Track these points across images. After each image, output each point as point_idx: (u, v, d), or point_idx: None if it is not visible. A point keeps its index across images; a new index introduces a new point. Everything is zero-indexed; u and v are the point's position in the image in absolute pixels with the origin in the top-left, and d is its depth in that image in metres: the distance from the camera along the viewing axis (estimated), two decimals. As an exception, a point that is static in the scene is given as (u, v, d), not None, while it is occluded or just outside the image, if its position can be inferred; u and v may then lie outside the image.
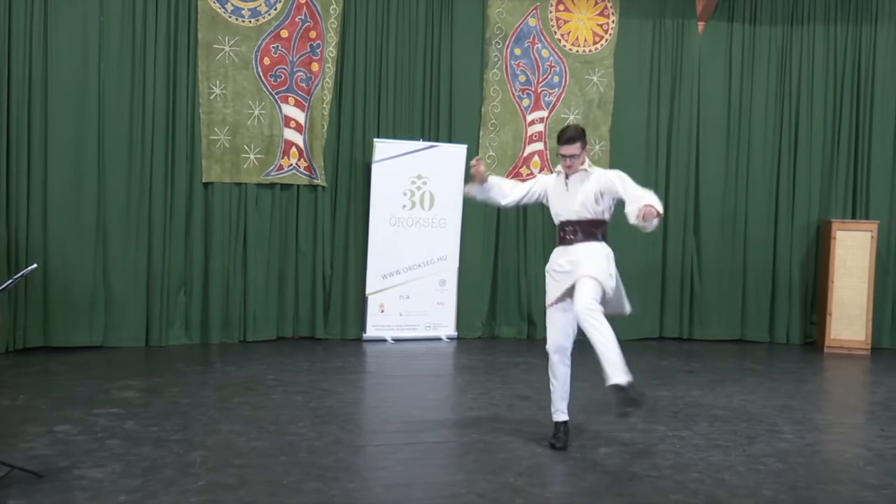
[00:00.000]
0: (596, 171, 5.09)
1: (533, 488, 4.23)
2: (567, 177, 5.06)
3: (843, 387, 7.45)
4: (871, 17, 8.88)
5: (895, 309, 8.86)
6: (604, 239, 5.00)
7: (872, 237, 8.49)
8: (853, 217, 8.89)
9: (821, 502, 4.18)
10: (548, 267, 5.14)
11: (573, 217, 5.01)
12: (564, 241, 5.03)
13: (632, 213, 4.79)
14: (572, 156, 5.00)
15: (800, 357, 8.33)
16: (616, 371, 4.52)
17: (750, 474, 4.54)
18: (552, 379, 5.05)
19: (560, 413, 5.06)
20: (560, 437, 5.00)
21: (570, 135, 5.00)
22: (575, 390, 6.35)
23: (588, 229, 4.97)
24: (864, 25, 8.90)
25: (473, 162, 5.19)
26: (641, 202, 4.72)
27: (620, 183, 4.94)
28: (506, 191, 5.26)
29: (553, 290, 5.03)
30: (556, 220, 5.13)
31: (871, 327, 8.53)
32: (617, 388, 4.49)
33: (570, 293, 4.86)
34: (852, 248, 8.52)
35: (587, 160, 5.11)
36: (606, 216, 5.02)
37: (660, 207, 4.71)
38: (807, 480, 4.48)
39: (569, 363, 5.03)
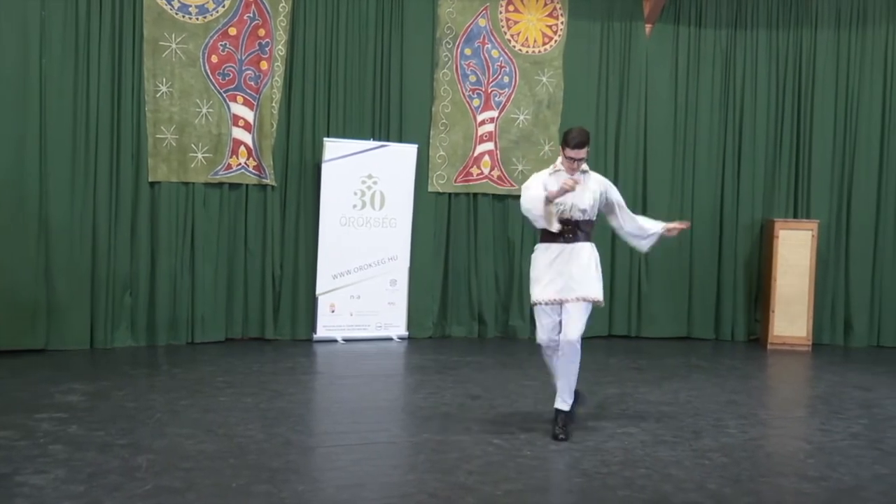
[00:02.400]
0: (592, 173, 5.35)
1: (484, 487, 4.26)
2: (572, 174, 5.21)
3: (785, 382, 7.64)
4: (812, 22, 9.11)
5: (835, 306, 9.10)
6: (591, 238, 5.34)
7: (813, 236, 8.71)
8: (795, 216, 9.11)
9: (763, 494, 4.28)
10: (544, 261, 5.21)
11: (579, 217, 5.23)
12: (566, 239, 5.19)
13: (633, 236, 5.45)
14: (581, 159, 5.18)
15: (744, 353, 8.51)
16: (567, 399, 5.22)
17: (696, 469, 4.63)
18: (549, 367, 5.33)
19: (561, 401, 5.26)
20: (560, 426, 5.18)
21: (582, 139, 5.13)
22: (524, 388, 6.41)
23: (588, 229, 5.28)
24: (804, 30, 9.12)
25: (569, 183, 5.03)
26: (654, 229, 5.42)
27: (616, 194, 5.40)
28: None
29: (549, 292, 5.17)
30: (560, 216, 5.20)
31: (811, 324, 8.75)
32: (560, 412, 5.20)
33: (560, 301, 5.15)
34: (794, 247, 8.73)
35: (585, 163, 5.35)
36: (594, 218, 5.34)
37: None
38: (750, 473, 4.58)
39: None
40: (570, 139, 5.12)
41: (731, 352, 8.58)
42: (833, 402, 6.43)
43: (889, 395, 6.66)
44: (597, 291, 5.19)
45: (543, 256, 5.25)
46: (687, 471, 4.59)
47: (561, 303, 5.15)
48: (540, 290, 5.20)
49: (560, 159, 5.26)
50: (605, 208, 5.40)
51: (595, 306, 5.25)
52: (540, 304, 5.20)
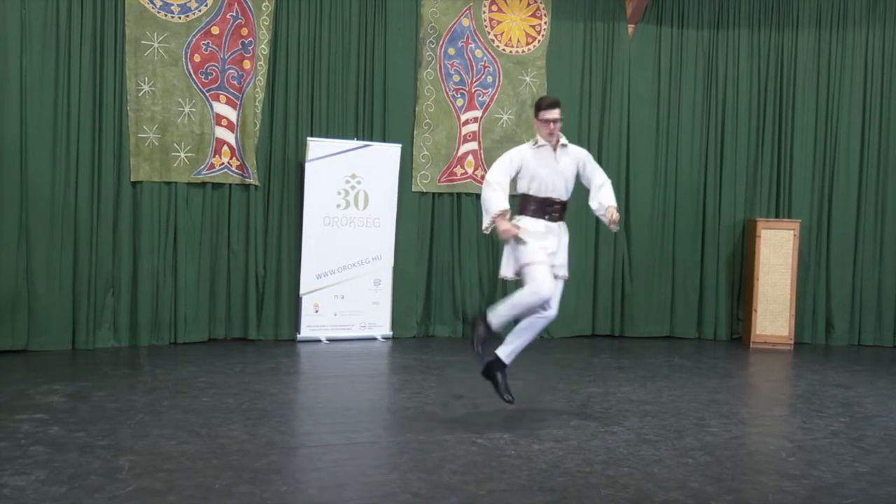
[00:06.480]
0: (572, 147, 5.33)
1: (467, 486, 4.26)
2: (555, 149, 5.21)
3: (767, 381, 7.68)
4: (793, 24, 9.18)
5: (816, 305, 9.17)
6: None
7: (795, 235, 8.78)
8: (776, 216, 9.17)
9: (745, 493, 4.30)
10: (530, 229, 5.18)
11: (562, 196, 5.26)
12: (551, 217, 5.22)
13: (597, 208, 5.30)
14: (556, 120, 5.16)
15: (726, 352, 8.56)
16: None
17: (678, 467, 4.65)
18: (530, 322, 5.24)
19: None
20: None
21: (552, 100, 5.20)
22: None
23: (566, 209, 5.31)
24: (785, 31, 9.19)
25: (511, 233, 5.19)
26: (607, 203, 5.23)
27: (591, 166, 5.31)
28: (506, 189, 5.27)
29: (542, 256, 5.15)
30: (540, 193, 5.21)
31: (793, 323, 8.81)
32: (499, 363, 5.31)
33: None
34: (776, 246, 8.79)
35: (563, 135, 5.30)
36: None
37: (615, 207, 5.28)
38: (732, 472, 4.61)
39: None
40: (541, 102, 5.22)
41: (713, 351, 8.63)
42: (814, 400, 6.47)
43: (869, 394, 6.72)
44: (566, 272, 5.37)
45: (530, 226, 5.21)
46: (669, 469, 4.61)
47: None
48: (538, 250, 5.14)
49: (538, 133, 5.27)
50: (583, 180, 5.38)
51: None
52: (541, 262, 5.13)
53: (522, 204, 5.29)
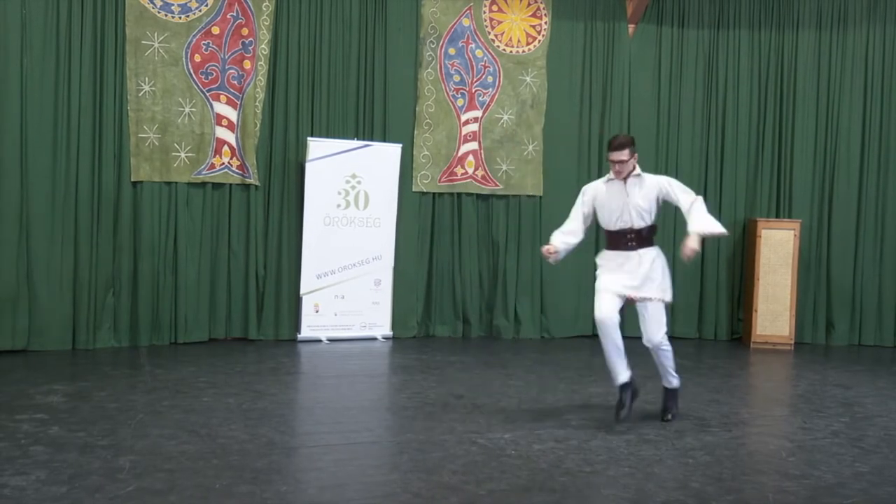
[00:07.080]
0: (648, 177, 5.47)
1: (468, 486, 4.26)
2: (625, 181, 5.39)
3: (767, 381, 7.68)
4: (793, 24, 9.17)
5: (816, 305, 9.16)
6: (654, 242, 5.50)
7: (795, 235, 8.78)
8: (777, 216, 9.16)
9: (746, 493, 4.31)
10: (606, 266, 5.46)
11: (634, 225, 5.39)
12: (626, 248, 5.39)
13: (694, 228, 5.34)
14: (621, 161, 5.34)
15: (727, 353, 8.55)
16: (674, 379, 5.71)
17: (679, 467, 4.65)
18: (612, 344, 5.39)
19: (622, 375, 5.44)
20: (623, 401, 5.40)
21: (619, 141, 5.37)
22: (508, 388, 6.42)
23: (647, 236, 5.40)
24: (786, 31, 9.18)
25: (546, 254, 5.59)
26: (700, 226, 5.30)
27: (675, 192, 5.44)
28: (573, 230, 5.60)
29: (613, 284, 5.36)
30: (613, 226, 5.42)
31: (794, 323, 8.80)
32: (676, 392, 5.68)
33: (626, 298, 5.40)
34: (776, 247, 8.79)
35: (637, 166, 5.46)
36: (655, 220, 5.49)
37: (716, 228, 5.38)
38: (732, 472, 4.61)
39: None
40: (610, 143, 5.40)
41: (713, 351, 8.62)
42: (814, 400, 6.47)
43: (869, 394, 6.71)
44: (660, 292, 5.41)
45: (606, 264, 5.47)
46: (670, 469, 4.61)
47: (623, 297, 5.38)
48: (607, 282, 5.37)
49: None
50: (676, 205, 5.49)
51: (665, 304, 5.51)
52: (602, 289, 5.36)
53: (606, 238, 5.53)
